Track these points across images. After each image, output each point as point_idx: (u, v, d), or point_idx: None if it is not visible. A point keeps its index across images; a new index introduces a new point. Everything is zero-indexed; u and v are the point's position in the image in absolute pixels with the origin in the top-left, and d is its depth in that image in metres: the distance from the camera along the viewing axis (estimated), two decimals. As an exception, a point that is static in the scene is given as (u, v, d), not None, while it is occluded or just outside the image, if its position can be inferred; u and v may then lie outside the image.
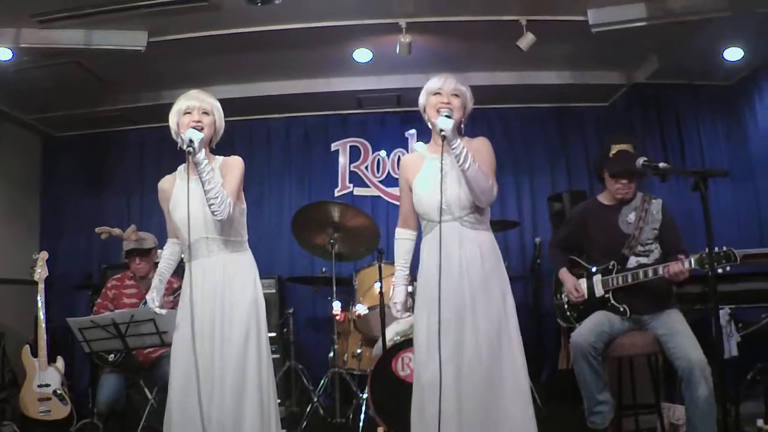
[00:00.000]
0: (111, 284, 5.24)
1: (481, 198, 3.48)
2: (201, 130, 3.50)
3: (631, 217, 4.32)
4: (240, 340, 3.52)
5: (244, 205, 3.76)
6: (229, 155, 3.72)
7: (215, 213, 3.46)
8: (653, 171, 3.88)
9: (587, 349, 4.08)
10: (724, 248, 3.77)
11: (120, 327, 4.24)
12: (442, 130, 3.34)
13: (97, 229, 5.35)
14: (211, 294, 3.52)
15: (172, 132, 3.63)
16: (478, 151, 3.53)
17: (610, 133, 7.54)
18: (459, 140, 3.36)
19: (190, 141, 3.39)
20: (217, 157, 3.73)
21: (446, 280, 3.41)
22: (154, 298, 3.67)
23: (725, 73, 7.06)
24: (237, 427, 3.40)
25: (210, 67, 6.52)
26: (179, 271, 3.79)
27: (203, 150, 3.43)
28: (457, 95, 3.58)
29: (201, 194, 3.47)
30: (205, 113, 3.61)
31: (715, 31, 5.98)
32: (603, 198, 4.50)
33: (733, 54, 6.49)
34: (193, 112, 3.57)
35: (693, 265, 3.89)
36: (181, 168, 3.73)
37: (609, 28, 5.74)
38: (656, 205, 4.33)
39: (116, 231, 5.23)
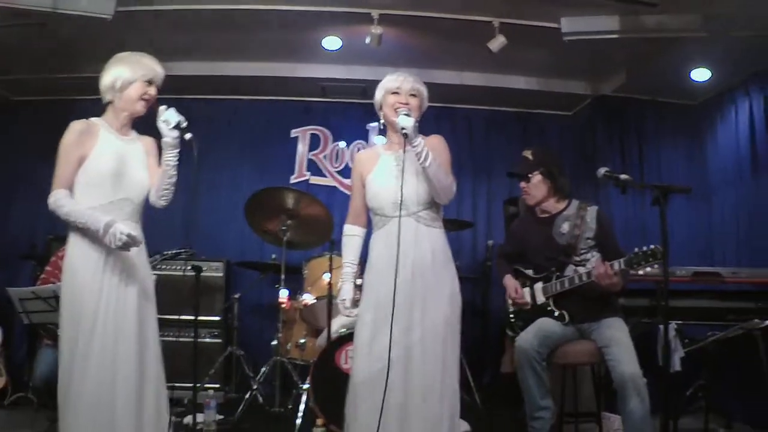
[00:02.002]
0: (62, 253, 5.08)
1: (441, 194, 3.55)
2: (148, 107, 3.46)
3: (565, 227, 4.37)
4: (153, 311, 3.46)
5: None
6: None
7: (164, 198, 3.50)
8: (614, 182, 3.90)
9: (532, 353, 4.10)
10: (652, 246, 3.82)
11: (62, 300, 4.12)
12: (403, 128, 3.38)
13: None
14: (127, 262, 3.36)
15: (111, 84, 3.49)
16: (434, 149, 3.55)
17: (571, 142, 7.66)
18: (419, 138, 3.40)
19: (179, 123, 3.37)
20: (132, 130, 3.61)
21: (397, 277, 3.40)
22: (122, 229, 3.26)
23: (691, 92, 7.12)
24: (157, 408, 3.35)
25: (177, 42, 6.35)
26: (62, 240, 3.53)
27: None
28: (414, 95, 3.63)
29: (134, 153, 3.48)
30: (158, 88, 3.53)
31: (685, 51, 6.05)
32: (538, 210, 4.54)
33: (701, 75, 6.57)
34: (152, 87, 3.50)
35: (622, 266, 3.94)
36: (102, 121, 3.52)
37: (581, 37, 5.78)
38: (591, 212, 4.37)
39: None
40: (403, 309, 3.41)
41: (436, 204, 3.62)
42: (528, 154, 4.54)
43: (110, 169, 3.36)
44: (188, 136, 3.38)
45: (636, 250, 3.88)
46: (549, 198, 4.45)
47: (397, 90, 3.60)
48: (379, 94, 3.70)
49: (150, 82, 3.48)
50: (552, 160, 4.50)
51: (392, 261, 3.41)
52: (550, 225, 4.42)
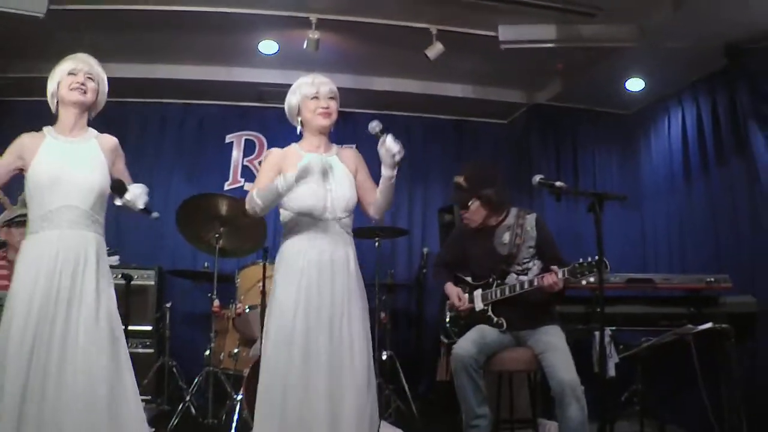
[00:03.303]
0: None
1: (383, 210, 3.59)
2: (84, 93, 3.39)
3: (506, 237, 4.37)
4: (108, 328, 3.28)
5: None
6: (117, 136, 3.48)
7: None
8: (549, 189, 3.92)
9: (468, 361, 4.07)
10: (597, 257, 3.83)
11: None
12: (395, 155, 3.31)
13: None
14: (70, 271, 3.22)
15: (49, 95, 3.44)
16: (362, 163, 3.63)
17: (507, 150, 7.70)
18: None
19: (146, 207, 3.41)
20: (90, 129, 3.52)
21: (328, 280, 3.39)
22: None
23: (625, 102, 7.24)
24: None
25: (110, 43, 6.13)
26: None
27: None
28: (333, 98, 3.57)
29: (83, 153, 3.38)
30: (90, 79, 3.44)
31: (620, 61, 6.17)
32: None
33: (635, 84, 6.69)
34: (79, 75, 3.40)
35: (566, 275, 3.96)
36: (50, 129, 3.44)
37: (518, 45, 5.83)
38: (530, 220, 4.38)
39: (5, 199, 4.78)
40: (335, 323, 3.36)
41: (353, 213, 3.58)
42: (461, 180, 4.46)
43: (46, 177, 3.28)
44: (155, 215, 3.43)
45: (581, 260, 3.90)
46: (490, 218, 4.42)
47: (316, 95, 3.54)
48: (294, 99, 3.60)
49: (72, 73, 3.41)
50: (487, 182, 4.39)
51: (327, 264, 3.39)
52: (491, 236, 4.41)
